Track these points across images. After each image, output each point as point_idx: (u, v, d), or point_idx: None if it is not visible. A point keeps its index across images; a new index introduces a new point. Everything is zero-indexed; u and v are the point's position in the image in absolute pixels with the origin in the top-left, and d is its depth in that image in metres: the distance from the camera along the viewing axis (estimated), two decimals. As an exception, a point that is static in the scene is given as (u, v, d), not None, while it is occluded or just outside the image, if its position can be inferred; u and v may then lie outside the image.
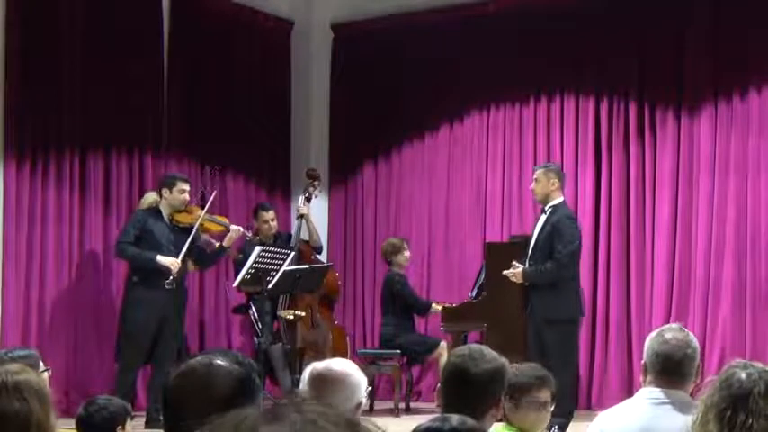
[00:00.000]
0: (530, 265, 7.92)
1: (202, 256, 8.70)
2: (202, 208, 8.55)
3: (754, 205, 8.93)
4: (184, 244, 8.27)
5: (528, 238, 8.25)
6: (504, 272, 7.98)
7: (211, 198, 8.64)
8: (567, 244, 7.82)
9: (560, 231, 7.85)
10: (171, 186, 8.40)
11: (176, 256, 8.23)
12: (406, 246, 9.67)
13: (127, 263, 8.56)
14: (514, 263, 7.96)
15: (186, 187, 8.45)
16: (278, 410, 1.23)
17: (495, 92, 10.07)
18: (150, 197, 8.56)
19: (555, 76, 9.77)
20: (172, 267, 8.15)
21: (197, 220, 8.38)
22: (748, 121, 9.02)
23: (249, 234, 8.97)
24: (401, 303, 9.52)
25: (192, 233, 8.30)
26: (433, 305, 9.51)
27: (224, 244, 8.60)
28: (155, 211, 8.43)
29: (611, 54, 9.53)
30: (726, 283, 8.94)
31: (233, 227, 8.65)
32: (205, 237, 8.66)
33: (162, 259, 8.18)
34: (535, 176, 8.09)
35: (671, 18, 9.29)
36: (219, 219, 8.78)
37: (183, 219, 8.43)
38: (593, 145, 9.61)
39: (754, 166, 8.96)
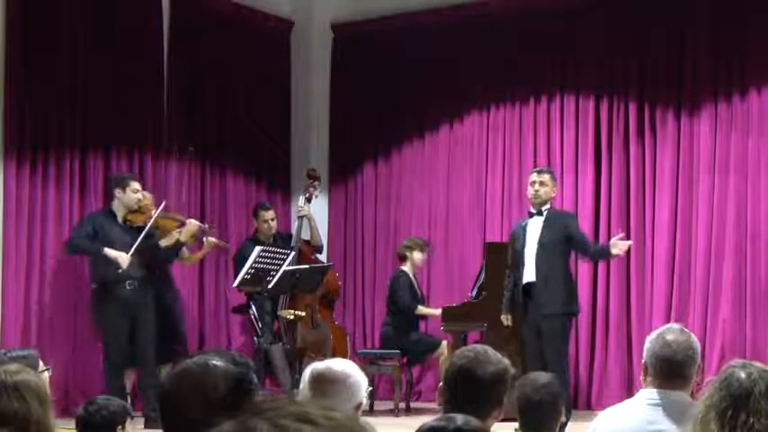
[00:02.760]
0: (536, 265, 7.94)
1: (158, 253, 8.52)
2: (157, 206, 8.37)
3: (754, 205, 8.93)
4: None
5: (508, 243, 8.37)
6: (622, 248, 7.96)
7: (163, 204, 8.38)
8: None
9: (574, 224, 8.22)
10: (124, 187, 8.34)
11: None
12: (428, 248, 9.66)
13: (82, 261, 8.54)
14: (621, 236, 8.02)
15: (138, 186, 8.40)
16: (249, 424, 1.19)
17: (495, 92, 10.07)
18: None
19: (555, 76, 9.77)
20: (119, 260, 8.08)
21: (151, 218, 8.29)
22: (748, 121, 9.01)
23: (206, 227, 8.85)
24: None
25: (146, 230, 8.20)
26: (420, 308, 9.47)
27: (180, 238, 8.50)
28: (108, 212, 8.41)
29: (611, 54, 9.53)
30: (726, 283, 8.94)
31: (190, 221, 8.58)
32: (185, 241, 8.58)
33: (110, 252, 8.12)
34: (541, 179, 8.09)
35: (671, 18, 9.29)
36: (174, 215, 8.67)
37: (136, 219, 8.36)
38: (593, 145, 9.61)
39: (754, 166, 8.95)
